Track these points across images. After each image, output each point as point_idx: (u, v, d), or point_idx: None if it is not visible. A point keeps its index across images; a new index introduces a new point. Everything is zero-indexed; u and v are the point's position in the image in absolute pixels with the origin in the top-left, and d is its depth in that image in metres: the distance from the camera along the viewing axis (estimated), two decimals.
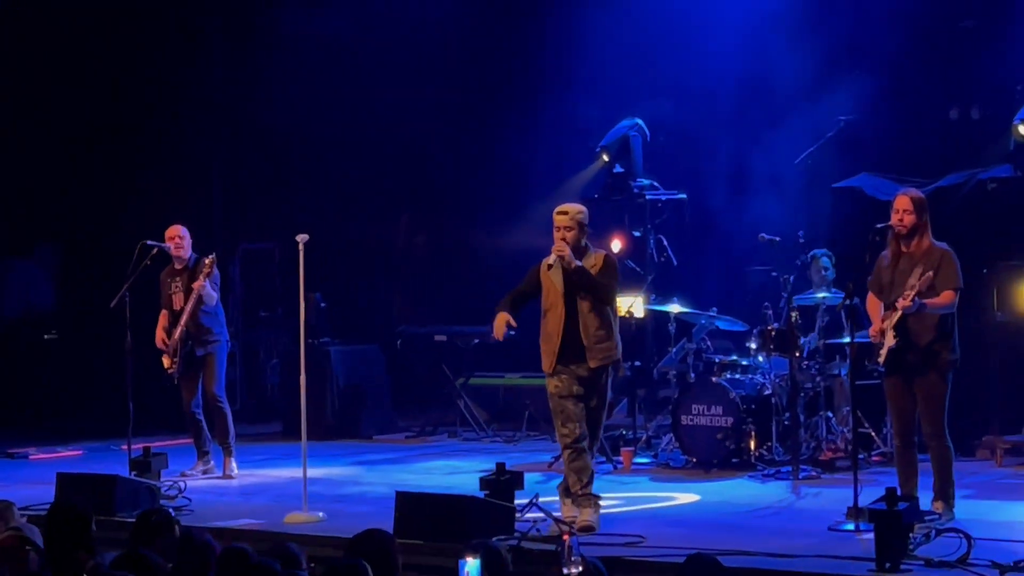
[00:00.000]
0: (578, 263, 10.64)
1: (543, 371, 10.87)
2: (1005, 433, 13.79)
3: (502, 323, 10.82)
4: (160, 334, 13.78)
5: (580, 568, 7.33)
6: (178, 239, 13.82)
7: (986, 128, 15.50)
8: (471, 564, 6.87)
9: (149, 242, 13.63)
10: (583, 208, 10.93)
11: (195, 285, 13.50)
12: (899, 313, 10.42)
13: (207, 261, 13.49)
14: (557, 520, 10.47)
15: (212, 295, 13.60)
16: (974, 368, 13.58)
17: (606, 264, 10.82)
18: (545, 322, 10.83)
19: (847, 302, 10.94)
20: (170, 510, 9.37)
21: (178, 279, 13.82)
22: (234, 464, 13.84)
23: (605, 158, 15.81)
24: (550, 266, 10.81)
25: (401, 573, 7.22)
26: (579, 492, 10.67)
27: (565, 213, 10.79)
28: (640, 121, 15.77)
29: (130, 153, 18.39)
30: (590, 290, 10.67)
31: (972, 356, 13.44)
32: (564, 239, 10.70)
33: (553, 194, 16.55)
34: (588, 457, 10.74)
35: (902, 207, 10.66)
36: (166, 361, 13.68)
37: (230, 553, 7.12)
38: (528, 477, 11.32)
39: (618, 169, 15.67)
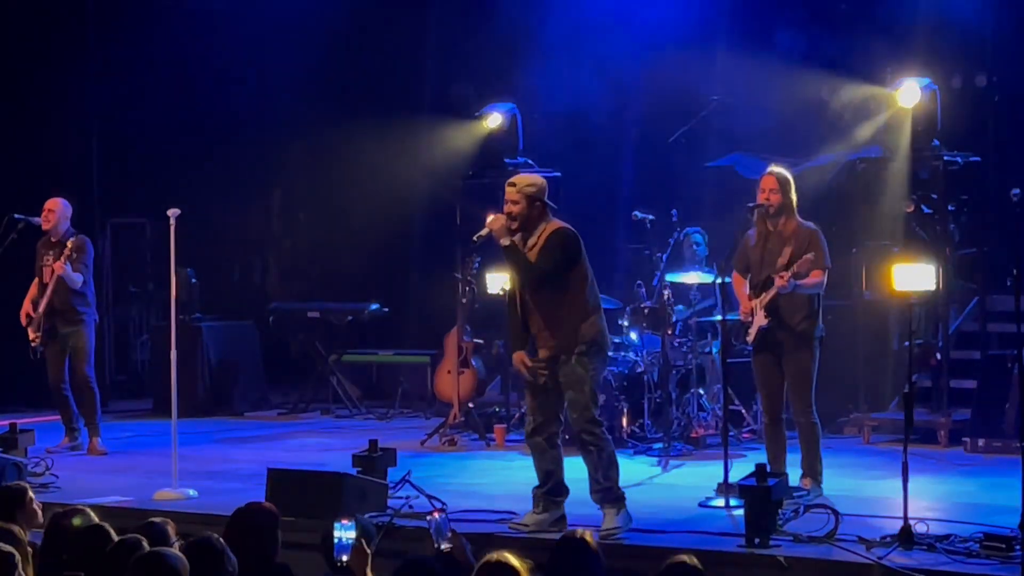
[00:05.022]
0: (507, 241, 9.57)
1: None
2: (872, 411, 13.98)
3: (519, 361, 9.82)
4: (26, 305, 13.64)
5: (451, 544, 7.35)
6: (48, 212, 13.62)
7: (857, 108, 15.67)
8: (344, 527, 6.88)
9: (16, 215, 13.43)
10: (535, 180, 9.73)
11: (55, 266, 13.34)
12: (774, 292, 10.51)
13: (69, 244, 13.30)
14: (429, 496, 10.45)
15: (74, 279, 13.39)
16: (842, 346, 13.77)
17: (548, 241, 9.57)
18: None
19: (719, 280, 11.00)
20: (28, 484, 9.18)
21: (51, 252, 13.63)
22: (100, 442, 13.70)
23: (488, 124, 15.37)
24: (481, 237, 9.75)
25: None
26: (535, 490, 9.88)
27: (512, 185, 9.66)
28: (513, 104, 15.66)
29: (4, 123, 18.02)
30: (519, 273, 9.66)
31: (840, 334, 13.66)
32: (510, 212, 9.57)
33: (431, 164, 16.51)
34: (549, 455, 9.83)
35: (768, 186, 10.71)
36: (30, 333, 13.51)
37: (91, 531, 7.00)
38: (401, 454, 11.28)
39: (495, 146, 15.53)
